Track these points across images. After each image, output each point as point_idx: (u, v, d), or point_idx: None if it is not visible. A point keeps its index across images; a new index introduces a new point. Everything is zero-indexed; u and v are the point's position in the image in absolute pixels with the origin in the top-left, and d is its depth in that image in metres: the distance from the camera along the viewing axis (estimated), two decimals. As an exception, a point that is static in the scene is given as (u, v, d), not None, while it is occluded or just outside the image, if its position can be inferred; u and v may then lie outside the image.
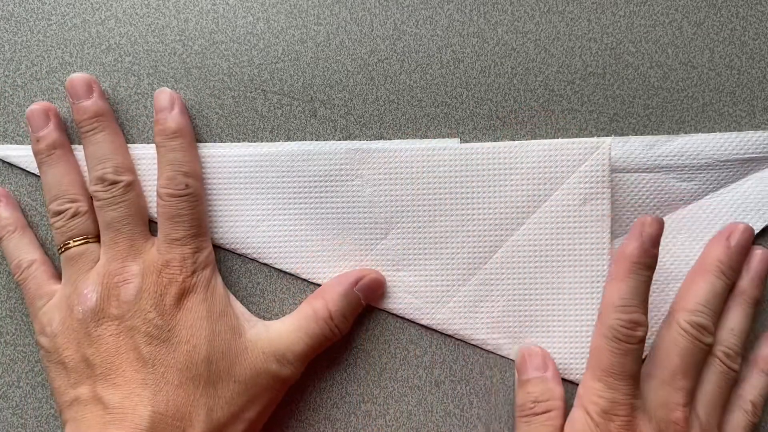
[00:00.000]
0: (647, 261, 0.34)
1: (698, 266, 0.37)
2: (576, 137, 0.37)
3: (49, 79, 0.37)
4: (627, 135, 0.37)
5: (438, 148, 0.37)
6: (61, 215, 0.35)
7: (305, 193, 0.37)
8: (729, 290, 0.36)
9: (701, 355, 0.35)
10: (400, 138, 0.37)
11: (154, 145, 0.36)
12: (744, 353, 0.36)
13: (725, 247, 0.36)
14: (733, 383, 0.36)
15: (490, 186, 0.37)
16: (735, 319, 0.36)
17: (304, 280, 0.37)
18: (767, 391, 0.37)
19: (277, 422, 0.37)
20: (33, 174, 0.37)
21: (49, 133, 0.35)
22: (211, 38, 0.37)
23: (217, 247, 0.37)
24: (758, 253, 0.37)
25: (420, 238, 0.37)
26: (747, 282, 0.36)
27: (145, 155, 0.36)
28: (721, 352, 0.35)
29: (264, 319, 0.37)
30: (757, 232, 0.37)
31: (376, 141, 0.37)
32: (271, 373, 0.34)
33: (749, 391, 0.37)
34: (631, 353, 0.34)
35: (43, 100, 0.37)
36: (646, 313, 0.34)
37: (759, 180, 0.37)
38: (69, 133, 0.37)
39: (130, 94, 0.37)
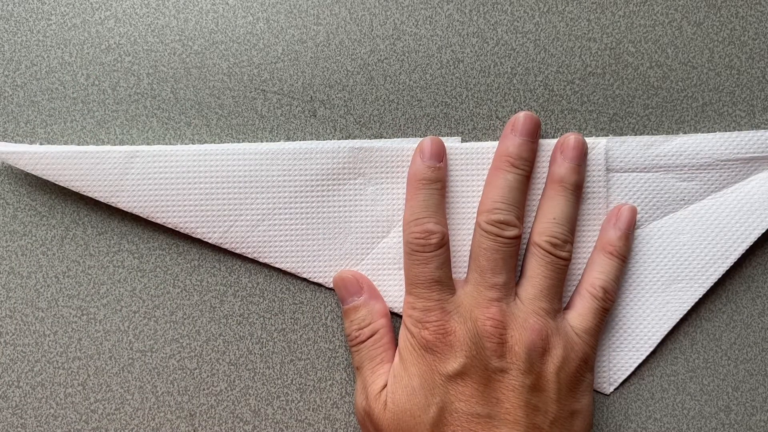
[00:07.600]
0: (431, 176, 0.35)
1: (490, 168, 0.36)
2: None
3: (49, 79, 0.37)
4: (627, 135, 0.37)
5: (438, 148, 0.37)
6: None
7: (306, 191, 0.37)
8: (527, 180, 0.35)
9: (508, 249, 0.34)
10: (400, 138, 0.37)
11: (160, 146, 0.36)
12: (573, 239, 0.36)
13: (511, 139, 0.35)
14: (565, 270, 0.35)
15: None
16: (556, 207, 0.35)
17: (304, 279, 0.37)
18: (617, 274, 0.36)
19: (276, 421, 0.37)
20: (32, 174, 0.37)
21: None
22: (211, 38, 0.37)
23: (217, 247, 0.37)
24: (572, 138, 0.36)
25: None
26: (563, 169, 0.35)
27: (141, 151, 0.36)
28: (544, 241, 0.35)
29: (263, 318, 0.37)
30: (761, 233, 0.37)
31: (378, 140, 0.37)
32: None
33: (598, 276, 0.36)
34: (431, 260, 0.34)
35: (43, 100, 0.37)
36: (440, 222, 0.34)
37: (763, 181, 0.37)
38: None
39: (130, 94, 0.37)
